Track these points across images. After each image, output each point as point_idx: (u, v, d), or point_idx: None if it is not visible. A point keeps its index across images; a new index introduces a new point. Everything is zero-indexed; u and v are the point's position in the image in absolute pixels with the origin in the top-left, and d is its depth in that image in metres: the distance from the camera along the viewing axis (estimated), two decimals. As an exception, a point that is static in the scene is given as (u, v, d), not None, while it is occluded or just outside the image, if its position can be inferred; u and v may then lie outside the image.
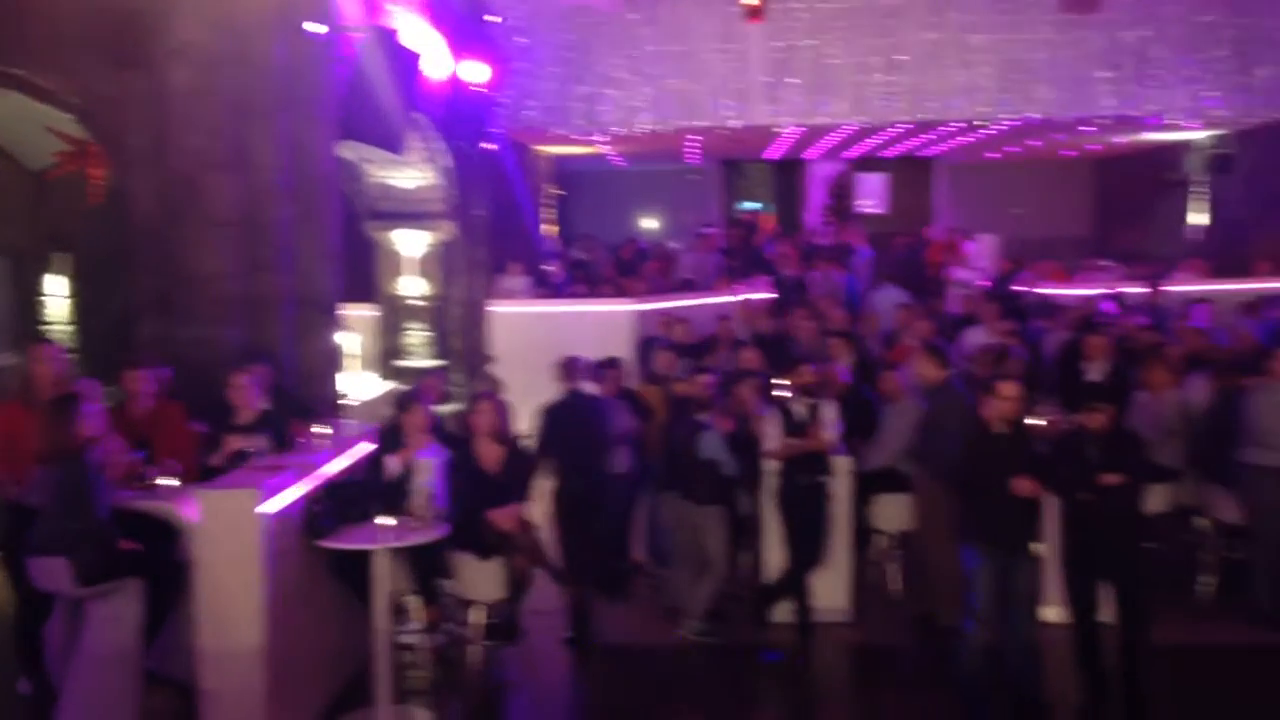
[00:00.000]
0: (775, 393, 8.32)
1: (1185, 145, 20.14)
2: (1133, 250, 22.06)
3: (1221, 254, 19.19)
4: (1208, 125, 17.09)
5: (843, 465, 8.24)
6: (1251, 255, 18.60)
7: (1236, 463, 8.14)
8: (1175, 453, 8.77)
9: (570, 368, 9.10)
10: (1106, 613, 6.85)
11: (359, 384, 10.66)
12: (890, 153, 22.15)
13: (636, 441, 8.90)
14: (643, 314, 13.59)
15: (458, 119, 12.14)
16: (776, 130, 16.70)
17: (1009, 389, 6.83)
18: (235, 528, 6.22)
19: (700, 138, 18.02)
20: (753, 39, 14.63)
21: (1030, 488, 6.67)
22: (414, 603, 7.41)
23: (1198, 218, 20.51)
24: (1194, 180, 20.41)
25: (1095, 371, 9.80)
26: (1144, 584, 6.83)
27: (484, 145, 13.24)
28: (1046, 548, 7.19)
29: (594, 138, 17.02)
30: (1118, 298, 14.44)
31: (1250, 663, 7.74)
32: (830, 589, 8.28)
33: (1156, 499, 8.50)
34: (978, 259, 18.99)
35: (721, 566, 8.09)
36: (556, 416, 8.78)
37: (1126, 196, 23.73)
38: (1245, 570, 8.30)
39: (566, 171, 22.37)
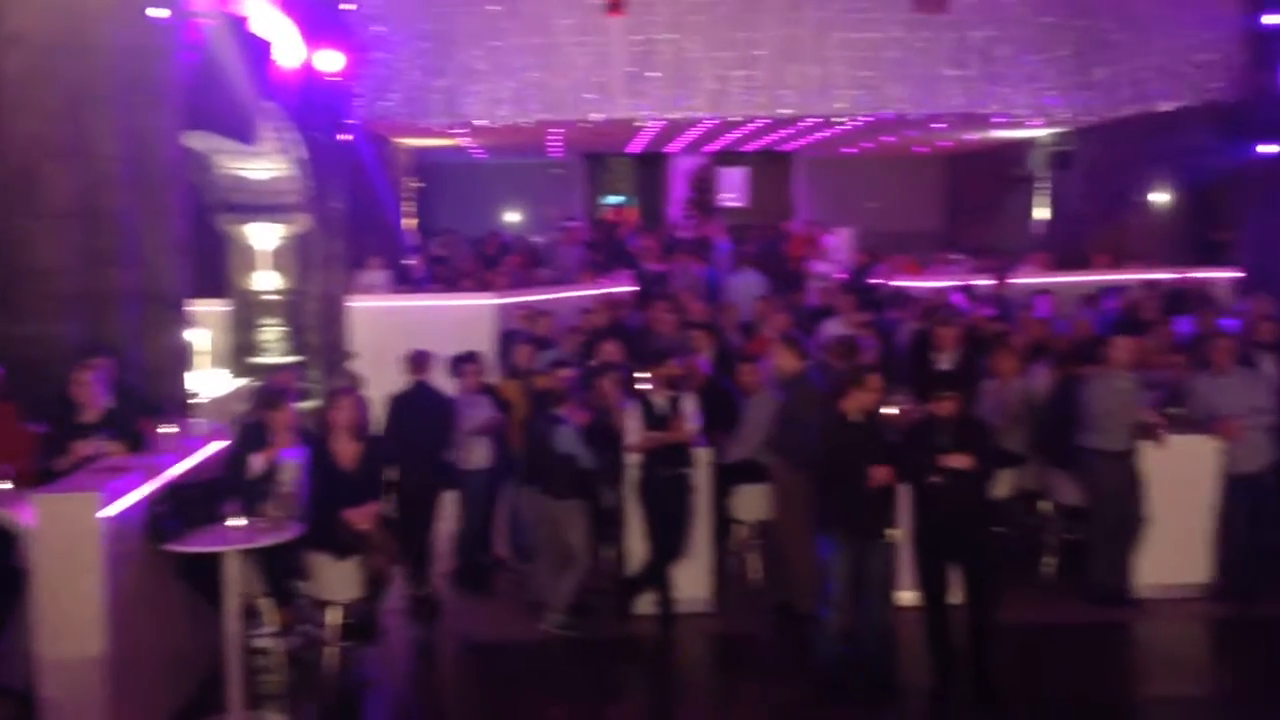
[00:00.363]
0: (637, 386, 8.36)
1: (1030, 143, 20.94)
2: (981, 244, 22.83)
3: (1063, 247, 20.00)
4: (1049, 123, 17.77)
5: (703, 457, 8.33)
6: (1091, 248, 19.43)
7: (1075, 447, 8.47)
8: (1020, 438, 9.10)
9: (417, 360, 9.07)
10: (956, 595, 7.05)
11: (209, 382, 10.34)
12: (750, 147, 22.47)
13: (497, 436, 8.85)
14: (504, 308, 13.51)
15: (312, 109, 11.87)
16: (638, 124, 16.77)
17: (876, 380, 7.01)
18: (74, 532, 5.98)
19: (562, 131, 17.99)
20: (613, 33, 14.66)
21: (886, 476, 6.84)
22: (267, 605, 7.23)
23: (1041, 213, 21.34)
24: (1038, 176, 21.23)
25: (945, 361, 10.08)
26: (991, 566, 7.07)
27: (340, 136, 12.97)
28: (900, 533, 7.40)
29: (454, 130, 16.83)
30: (966, 290, 14.90)
31: (1088, 638, 8.08)
32: (691, 580, 8.36)
33: (1002, 484, 8.80)
34: (836, 252, 19.42)
35: (583, 560, 8.10)
36: (401, 408, 8.77)
37: (975, 192, 24.54)
38: (1083, 550, 8.65)
39: (427, 164, 22.09)
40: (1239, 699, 7.24)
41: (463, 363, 9.07)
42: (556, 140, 19.61)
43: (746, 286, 15.64)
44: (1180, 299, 14.40)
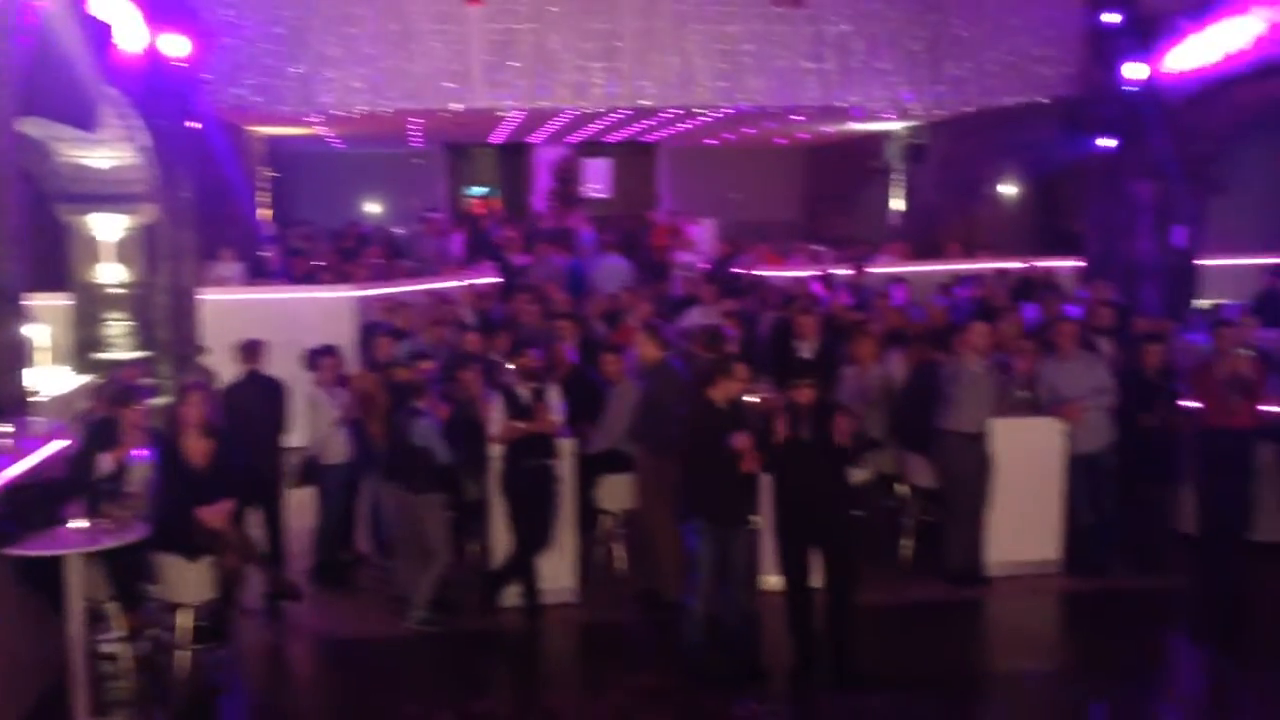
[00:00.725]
0: (500, 377, 8.29)
1: (886, 135, 21.42)
2: (840, 234, 23.31)
3: (918, 237, 20.54)
4: (903, 117, 18.20)
5: (567, 447, 8.29)
6: (944, 238, 20.01)
7: (931, 431, 8.70)
8: (878, 423, 9.31)
9: (248, 349, 9.08)
10: (818, 579, 7.17)
11: (49, 379, 9.87)
12: (614, 138, 22.49)
13: (356, 430, 8.67)
14: (364, 300, 13.25)
15: (157, 95, 11.40)
16: (499, 114, 16.61)
17: (743, 370, 7.07)
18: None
19: (422, 120, 17.70)
20: (472, 21, 14.47)
21: (746, 444, 6.86)
22: (114, 609, 6.94)
23: (897, 204, 21.87)
24: (894, 169, 21.75)
25: (806, 349, 10.25)
26: (850, 550, 7.20)
27: (188, 124, 12.50)
28: (762, 519, 7.49)
29: (310, 119, 16.42)
30: (826, 279, 15.18)
31: (945, 617, 8.32)
32: (557, 571, 8.33)
33: (863, 469, 9.02)
34: (699, 242, 19.59)
35: (444, 554, 7.99)
36: (234, 398, 8.77)
37: (834, 183, 25.02)
38: (939, 532, 8.89)
39: (284, 153, 21.50)
40: (1088, 670, 7.53)
41: (319, 356, 8.88)
42: (416, 130, 19.30)
43: (610, 276, 15.71)
44: (1028, 286, 14.94)
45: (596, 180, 24.74)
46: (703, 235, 20.26)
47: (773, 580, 7.86)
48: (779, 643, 7.36)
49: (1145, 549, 9.03)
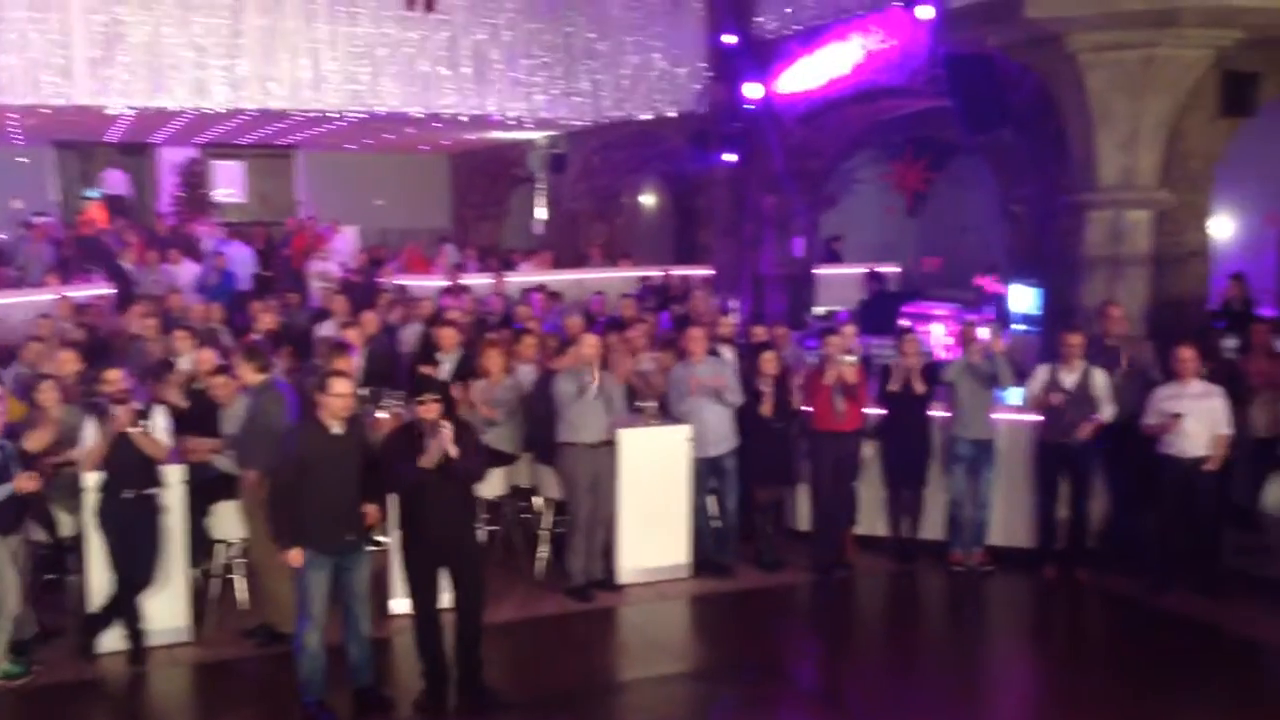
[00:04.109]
0: (95, 397, 7.55)
1: (529, 144, 21.58)
2: (489, 242, 23.28)
3: (562, 246, 20.83)
4: (540, 126, 18.36)
5: (175, 474, 7.66)
6: (587, 247, 20.40)
7: (556, 442, 8.71)
8: (512, 436, 9.24)
9: None
10: (448, 599, 6.98)
11: None
12: (246, 140, 21.38)
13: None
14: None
15: None
16: (110, 112, 15.32)
17: (340, 385, 6.71)
18: None
19: (19, 115, 16.06)
20: (73, 11, 13.24)
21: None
22: None
23: (541, 213, 22.10)
24: (537, 178, 21.95)
25: (447, 361, 10.06)
26: (480, 567, 7.06)
27: None
28: (388, 540, 7.23)
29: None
30: (467, 288, 15.06)
31: (578, 628, 8.33)
32: (166, 608, 7.68)
33: (495, 482, 8.92)
34: (340, 251, 18.95)
35: (9, 602, 7.11)
36: None
37: (481, 191, 24.96)
38: (567, 544, 8.92)
39: None
40: (719, 671, 7.75)
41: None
42: (15, 125, 17.50)
43: (239, 256, 14.91)
44: (665, 295, 15.45)
45: (228, 184, 23.42)
46: (344, 243, 19.60)
47: (399, 603, 7.59)
48: (405, 667, 7.11)
49: (766, 548, 9.44)
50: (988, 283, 14.96)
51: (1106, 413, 8.89)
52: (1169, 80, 9.61)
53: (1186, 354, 8.61)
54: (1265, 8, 8.98)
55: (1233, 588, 8.63)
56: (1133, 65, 9.48)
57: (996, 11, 9.58)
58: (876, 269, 15.39)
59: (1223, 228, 13.52)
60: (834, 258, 18.44)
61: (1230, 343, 10.33)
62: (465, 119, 16.04)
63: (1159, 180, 9.97)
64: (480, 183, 25.12)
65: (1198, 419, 8.50)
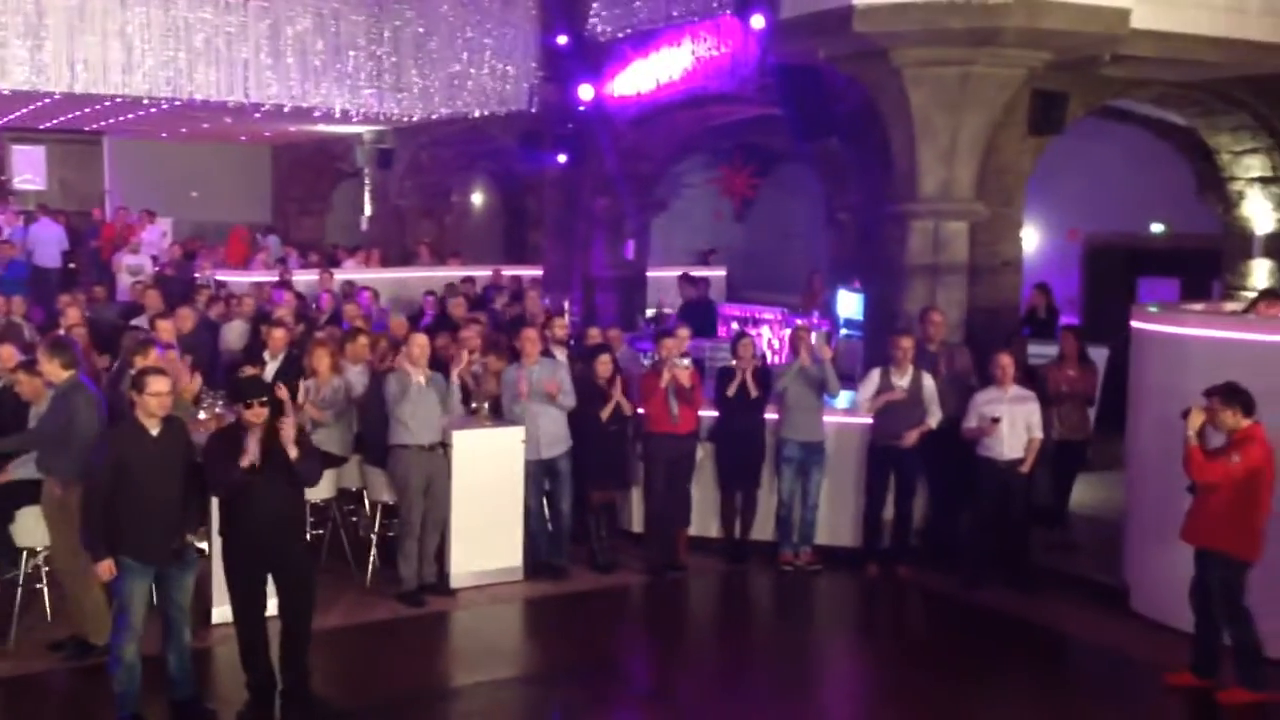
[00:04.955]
0: None
1: (357, 138, 21.11)
2: (313, 238, 22.68)
3: (388, 243, 20.46)
4: (367, 120, 17.97)
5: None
6: (415, 245, 20.08)
7: (388, 444, 8.53)
8: (340, 437, 9.00)
9: None
10: (273, 605, 6.74)
11: None
12: (49, 125, 20.24)
13: None
14: None
15: None
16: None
17: (157, 383, 6.40)
18: None
19: None
20: None
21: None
22: None
23: (368, 208, 21.67)
24: (364, 172, 21.50)
25: (274, 362, 9.74)
26: (307, 572, 6.83)
27: None
28: (207, 546, 6.94)
29: None
30: (289, 284, 14.64)
31: (410, 633, 8.17)
32: (-37, 623, 7.18)
33: (323, 485, 8.65)
34: (153, 243, 18.15)
35: None
36: None
37: (305, 184, 24.33)
38: (397, 548, 8.73)
39: None
40: (552, 674, 7.72)
41: None
42: None
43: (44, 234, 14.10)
44: (494, 294, 15.31)
45: (29, 170, 22.12)
46: (157, 235, 18.76)
47: (225, 611, 7.29)
48: (232, 678, 6.83)
49: (599, 550, 9.45)
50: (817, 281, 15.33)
51: (935, 417, 9.22)
52: (985, 97, 10.03)
53: (1005, 361, 9.01)
54: (1075, 31, 9.47)
55: (1041, 583, 9.05)
56: (952, 81, 9.86)
57: (826, 24, 9.82)
58: (691, 273, 15.50)
59: (1029, 240, 14.23)
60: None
61: (1038, 349, 10.85)
62: (288, 110, 15.54)
63: (975, 193, 10.40)
64: (303, 176, 24.46)
65: (1013, 423, 8.89)
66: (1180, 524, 7.34)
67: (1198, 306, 9.90)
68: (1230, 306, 10.42)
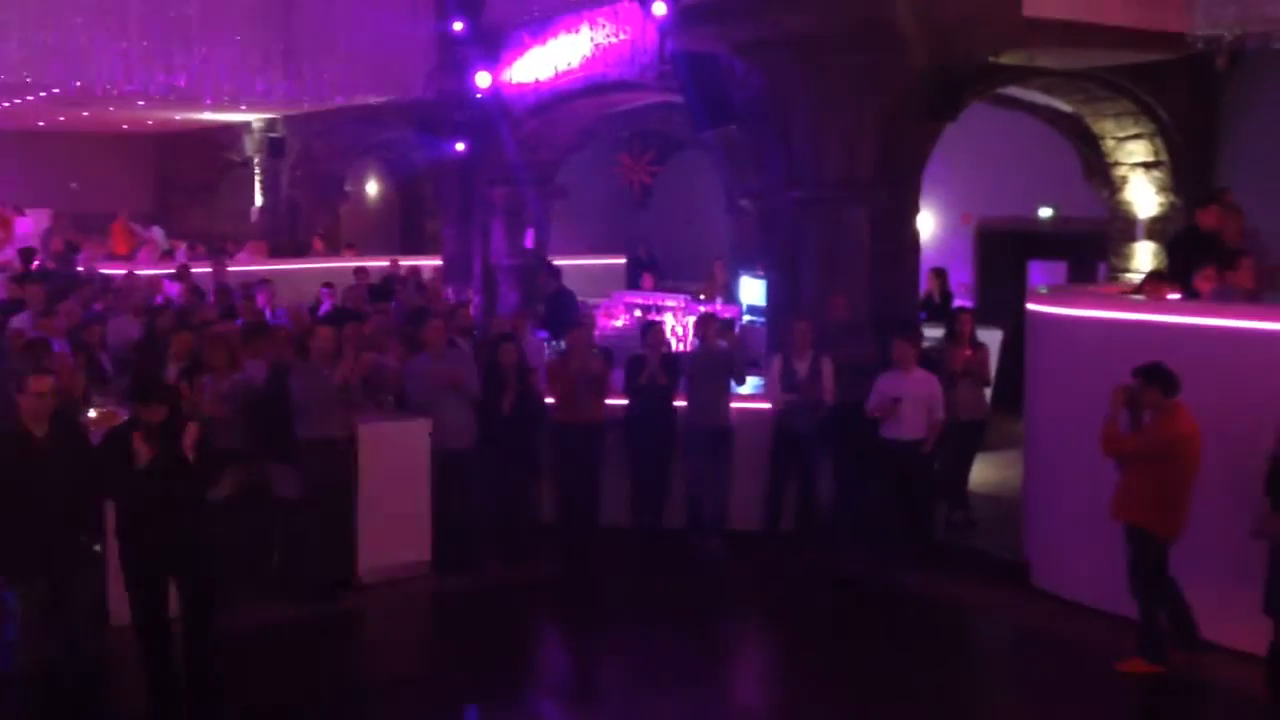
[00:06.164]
0: None
1: (245, 127, 20.58)
2: (200, 229, 22.06)
3: (280, 234, 20.01)
4: (257, 108, 17.51)
5: None
6: (308, 236, 19.68)
7: (292, 439, 8.35)
8: (242, 434, 8.76)
9: None
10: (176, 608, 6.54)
11: None
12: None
13: None
14: None
15: None
16: None
17: (38, 384, 6.15)
18: None
19: None
20: None
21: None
22: None
23: (259, 198, 21.15)
24: (254, 162, 20.99)
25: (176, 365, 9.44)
26: (209, 573, 6.64)
27: None
28: (101, 547, 6.71)
29: None
30: (183, 277, 14.25)
31: (318, 632, 8.03)
32: None
33: (223, 483, 8.40)
34: (29, 236, 17.49)
35: None
36: None
37: (192, 174, 23.66)
38: (305, 543, 8.56)
39: None
40: (463, 668, 7.62)
41: None
42: None
43: None
44: (393, 285, 15.09)
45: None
46: (33, 228, 18.06)
47: (124, 617, 7.05)
48: (133, 683, 6.62)
49: (510, 541, 9.38)
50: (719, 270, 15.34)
51: (832, 396, 9.37)
52: (882, 84, 10.17)
53: (903, 345, 9.18)
54: (969, 19, 9.66)
55: (945, 561, 9.25)
56: (850, 69, 9.98)
57: (727, 11, 9.86)
58: (554, 263, 15.31)
59: (925, 226, 14.49)
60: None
61: (934, 333, 11.07)
62: (173, 98, 15.04)
63: (875, 178, 10.55)
64: (190, 166, 23.76)
65: (914, 405, 9.06)
66: (1077, 501, 7.54)
67: (1089, 288, 10.20)
68: (1114, 288, 10.75)
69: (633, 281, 16.90)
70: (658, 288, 15.24)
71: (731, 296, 14.01)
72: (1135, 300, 8.75)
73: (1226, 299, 8.07)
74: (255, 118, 19.52)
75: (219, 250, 18.52)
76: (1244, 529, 6.54)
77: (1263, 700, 6.55)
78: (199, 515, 6.65)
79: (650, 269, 17.04)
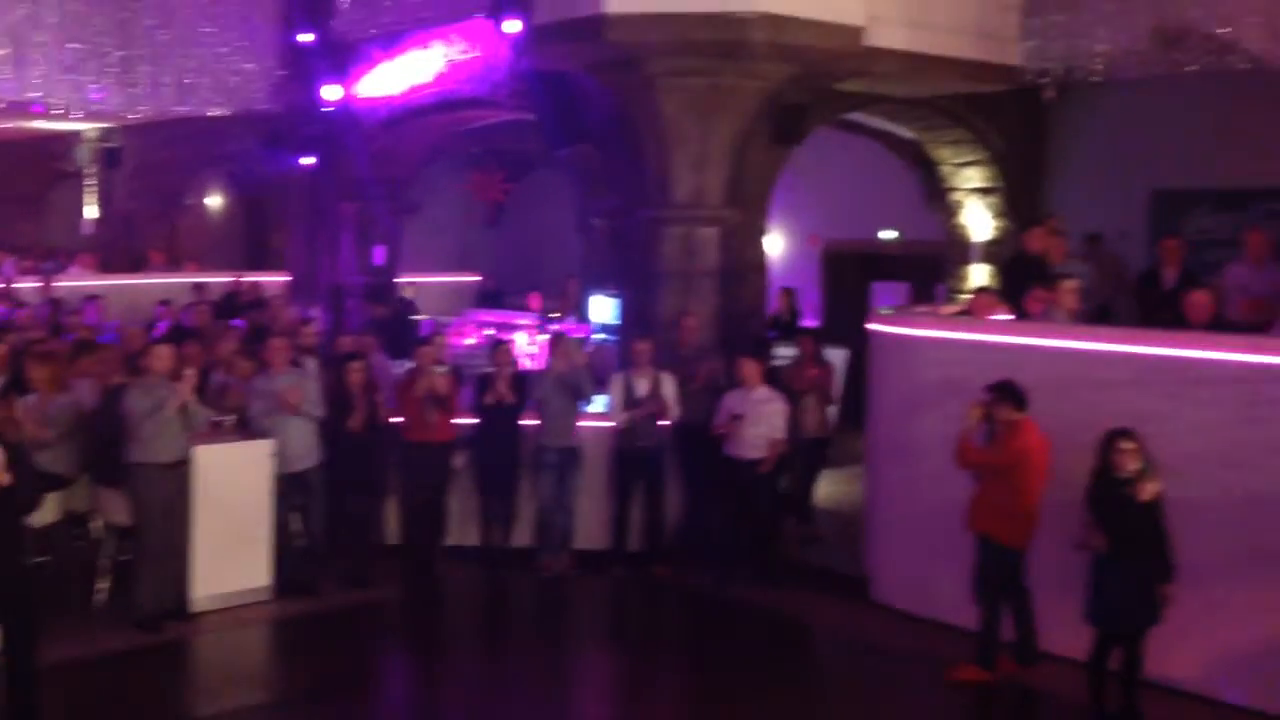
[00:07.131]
0: None
1: (76, 136, 19.77)
2: (27, 241, 21.05)
3: (115, 248, 19.25)
4: (91, 117, 16.83)
5: None
6: (146, 249, 18.96)
7: (124, 462, 8.01)
8: (67, 457, 8.37)
9: None
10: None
11: None
12: None
13: None
14: None
15: None
16: None
17: None
18: None
19: None
20: None
21: None
22: None
23: (91, 211, 20.32)
24: (86, 172, 20.16)
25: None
26: (29, 603, 6.31)
27: None
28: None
29: None
30: (9, 293, 13.59)
31: (149, 663, 7.69)
32: None
33: (47, 508, 8.01)
34: None
35: None
36: None
37: (18, 184, 22.59)
38: (134, 572, 8.21)
39: None
40: (304, 697, 7.40)
41: None
42: None
43: None
44: (235, 301, 14.64)
45: None
46: None
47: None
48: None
49: (354, 564, 9.17)
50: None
51: (673, 414, 9.44)
52: (733, 107, 10.33)
53: (748, 364, 9.31)
54: (814, 46, 9.89)
55: (789, 576, 9.39)
56: (702, 91, 10.11)
57: (579, 31, 9.88)
58: (395, 283, 15.04)
59: (774, 246, 14.75)
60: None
61: (784, 351, 11.26)
62: (2, 105, 14.33)
63: (725, 199, 10.69)
64: (16, 176, 22.67)
65: (756, 424, 9.18)
66: (914, 516, 7.73)
67: (927, 309, 10.52)
68: (950, 309, 11.12)
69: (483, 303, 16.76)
70: (508, 306, 15.15)
71: (583, 315, 13.99)
72: (968, 321, 9.05)
73: (1050, 320, 8.43)
74: (89, 127, 18.75)
75: (52, 264, 17.69)
76: (1069, 540, 6.83)
77: (1084, 705, 6.82)
78: (16, 542, 6.32)
79: (496, 301, 16.86)
